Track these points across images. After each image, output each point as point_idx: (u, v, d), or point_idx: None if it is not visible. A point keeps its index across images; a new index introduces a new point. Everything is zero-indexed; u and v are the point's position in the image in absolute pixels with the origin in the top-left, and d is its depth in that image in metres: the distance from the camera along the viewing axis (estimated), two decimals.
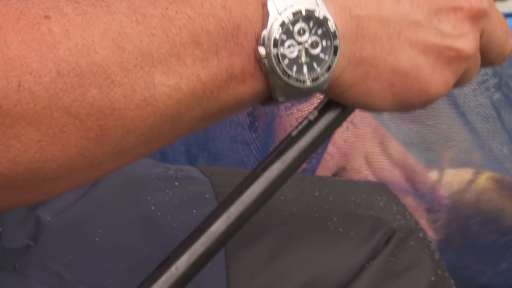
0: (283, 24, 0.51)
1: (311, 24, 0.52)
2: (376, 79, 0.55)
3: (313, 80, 0.53)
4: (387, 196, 0.76)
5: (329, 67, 0.53)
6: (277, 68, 0.52)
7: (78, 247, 0.65)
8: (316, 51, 0.53)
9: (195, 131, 0.54)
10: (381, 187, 0.78)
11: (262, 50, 0.51)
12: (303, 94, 0.54)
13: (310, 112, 0.58)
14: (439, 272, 0.73)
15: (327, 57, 0.53)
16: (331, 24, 0.52)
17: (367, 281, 0.69)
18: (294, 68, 0.53)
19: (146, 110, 0.48)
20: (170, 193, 0.69)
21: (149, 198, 0.68)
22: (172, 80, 0.49)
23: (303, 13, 0.52)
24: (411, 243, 0.72)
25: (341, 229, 0.70)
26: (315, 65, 0.53)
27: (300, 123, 0.58)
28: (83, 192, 0.67)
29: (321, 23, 0.52)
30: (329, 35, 0.52)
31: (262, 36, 0.51)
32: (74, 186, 0.50)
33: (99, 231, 0.65)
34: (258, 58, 0.52)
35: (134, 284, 0.62)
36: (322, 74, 0.53)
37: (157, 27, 0.49)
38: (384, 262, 0.70)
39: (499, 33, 0.59)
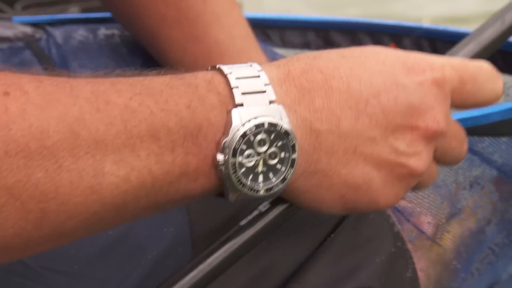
0: (244, 135, 0.52)
1: (272, 136, 0.53)
2: (328, 189, 0.56)
3: (267, 190, 0.54)
4: None
5: (284, 179, 0.54)
6: (233, 177, 0.53)
7: None
8: (273, 161, 0.54)
9: (138, 218, 0.53)
10: None
11: (220, 157, 0.52)
12: (255, 200, 0.55)
13: (262, 204, 0.59)
14: (399, 244, 0.73)
15: (284, 168, 0.54)
16: (291, 138, 0.53)
17: (329, 254, 0.70)
18: (250, 177, 0.53)
19: (91, 198, 0.47)
20: None
21: None
22: (123, 171, 0.48)
23: (266, 126, 0.53)
24: (371, 216, 0.73)
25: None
26: (271, 175, 0.54)
27: (251, 213, 0.58)
28: None
29: (282, 136, 0.53)
30: (288, 148, 0.54)
31: (222, 143, 0.52)
32: (5, 262, 0.49)
33: None
34: (215, 164, 0.52)
35: (101, 269, 0.64)
36: (277, 185, 0.54)
37: (117, 116, 0.48)
38: (345, 235, 0.71)
39: (454, 144, 0.61)
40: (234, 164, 0.52)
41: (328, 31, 1.05)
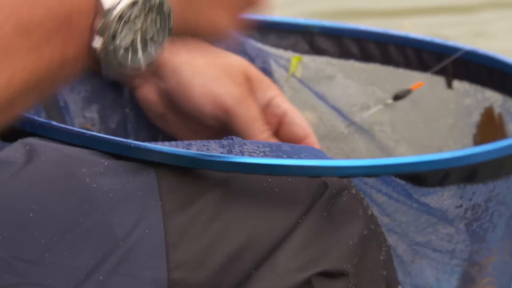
0: (121, 17, 0.52)
1: (146, 9, 0.54)
2: None
3: (149, 64, 0.56)
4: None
5: (161, 48, 0.56)
6: (113, 62, 0.53)
7: (11, 224, 0.64)
8: (150, 35, 0.55)
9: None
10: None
11: (97, 43, 0.53)
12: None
13: None
14: (372, 226, 0.74)
15: (161, 38, 0.55)
16: (166, 8, 0.55)
17: (301, 236, 0.71)
18: (129, 56, 0.54)
19: None
20: (106, 163, 0.69)
21: (84, 170, 0.67)
22: (4, 76, 0.49)
23: (140, 2, 0.54)
24: (344, 199, 0.73)
25: (276, 189, 0.71)
26: (149, 48, 0.55)
27: None
28: (14, 170, 0.67)
29: (157, 7, 0.54)
30: (164, 18, 0.55)
31: (97, 27, 0.52)
32: None
33: (33, 206, 0.65)
34: (93, 50, 0.53)
35: (72, 257, 0.64)
36: (157, 56, 0.56)
37: None
38: (317, 217, 0.72)
39: None
40: (113, 48, 0.52)
41: (313, 35, 1.04)
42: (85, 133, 0.71)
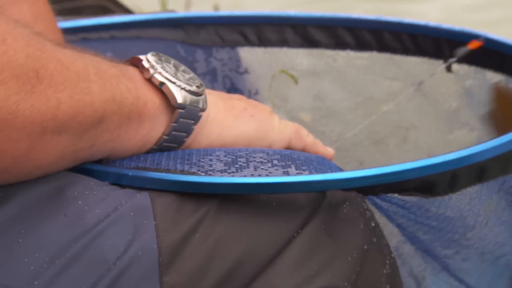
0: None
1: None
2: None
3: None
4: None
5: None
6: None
7: (0, 250, 0.63)
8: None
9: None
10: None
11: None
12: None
13: None
14: (374, 240, 0.73)
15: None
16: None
17: (296, 251, 0.69)
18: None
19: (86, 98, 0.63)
20: (98, 188, 0.67)
21: (76, 193, 0.66)
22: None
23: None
24: (344, 211, 0.72)
25: (274, 203, 0.70)
26: None
27: None
28: (3, 195, 0.65)
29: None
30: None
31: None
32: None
33: (23, 231, 0.63)
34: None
35: (63, 283, 0.62)
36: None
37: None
38: (315, 230, 0.70)
39: None
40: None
41: (306, 27, 1.02)
42: (84, 164, 0.70)
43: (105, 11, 1.54)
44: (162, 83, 0.70)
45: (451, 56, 0.97)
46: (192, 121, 0.72)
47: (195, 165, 0.70)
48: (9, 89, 0.57)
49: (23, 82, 0.58)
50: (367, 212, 0.73)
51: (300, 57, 1.04)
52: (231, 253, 0.67)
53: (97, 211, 0.65)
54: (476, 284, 0.84)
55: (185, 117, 0.71)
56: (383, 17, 1.00)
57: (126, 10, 1.59)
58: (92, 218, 0.65)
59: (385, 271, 0.73)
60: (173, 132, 0.71)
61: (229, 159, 0.71)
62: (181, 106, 0.70)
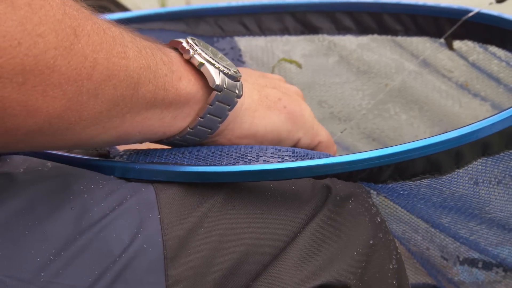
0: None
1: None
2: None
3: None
4: None
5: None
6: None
7: (7, 242, 0.63)
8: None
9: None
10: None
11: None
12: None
13: None
14: (380, 235, 0.73)
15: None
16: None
17: (302, 246, 0.69)
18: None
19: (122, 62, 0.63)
20: (104, 182, 0.68)
21: (82, 187, 0.67)
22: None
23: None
24: (350, 206, 0.72)
25: (279, 198, 0.70)
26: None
27: None
28: (13, 188, 0.66)
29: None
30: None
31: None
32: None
33: (29, 224, 0.64)
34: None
35: (69, 276, 0.63)
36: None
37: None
38: (320, 225, 0.70)
39: None
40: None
41: (305, 13, 1.02)
42: (90, 160, 0.71)
43: (105, 11, 1.54)
44: (201, 64, 0.70)
45: (452, 33, 0.97)
46: (228, 107, 0.72)
47: (204, 159, 0.70)
48: (48, 43, 0.56)
49: (61, 37, 0.57)
50: (372, 208, 0.73)
51: (301, 44, 1.04)
52: (236, 247, 0.67)
53: (102, 204, 0.66)
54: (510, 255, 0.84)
55: (221, 101, 0.71)
56: None
57: (126, 10, 1.60)
58: (97, 211, 0.65)
59: (391, 266, 0.74)
60: (208, 115, 0.71)
61: (239, 155, 0.71)
62: (219, 88, 0.70)
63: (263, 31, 1.03)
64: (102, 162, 0.70)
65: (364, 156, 0.67)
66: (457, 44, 0.99)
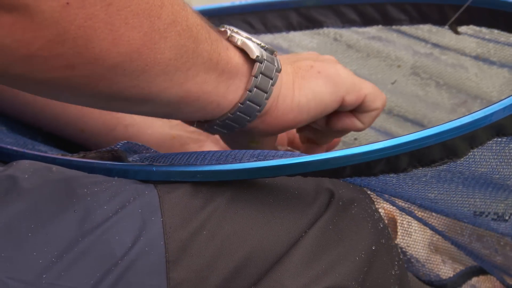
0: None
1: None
2: None
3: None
4: None
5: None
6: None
7: (10, 244, 0.64)
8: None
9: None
10: None
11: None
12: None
13: None
14: (382, 241, 0.73)
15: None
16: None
17: (304, 250, 0.69)
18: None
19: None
20: (108, 184, 0.69)
21: (85, 190, 0.67)
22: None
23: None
24: (353, 211, 0.72)
25: (282, 202, 0.71)
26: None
27: None
28: (17, 189, 0.67)
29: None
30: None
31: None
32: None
33: (32, 226, 0.65)
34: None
35: (71, 278, 0.64)
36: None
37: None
38: (322, 230, 0.71)
39: None
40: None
41: (309, 9, 1.02)
42: (105, 164, 0.71)
43: None
44: (240, 40, 0.74)
45: (456, 19, 0.97)
46: (270, 80, 0.74)
47: (218, 159, 0.71)
48: None
49: None
50: (375, 213, 0.73)
51: (308, 38, 1.05)
52: (238, 251, 0.68)
53: (105, 207, 0.66)
54: None
55: (264, 74, 0.74)
56: None
57: None
58: (100, 214, 0.66)
59: (393, 272, 0.74)
60: (255, 89, 0.73)
61: (254, 153, 0.72)
62: (259, 60, 0.73)
63: (269, 29, 1.03)
64: (118, 165, 0.70)
65: (380, 146, 0.68)
66: (462, 29, 0.99)
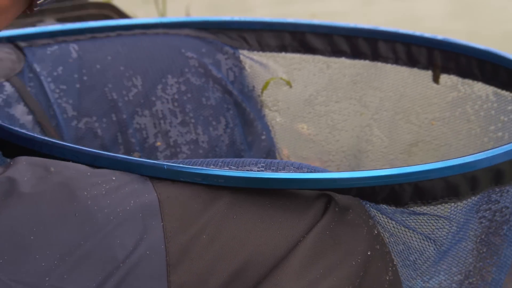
0: None
1: None
2: None
3: None
4: None
5: None
6: None
7: (13, 247, 0.64)
8: None
9: None
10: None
11: None
12: None
13: None
14: (377, 247, 0.74)
15: None
16: None
17: (302, 255, 0.70)
18: None
19: None
20: (107, 187, 0.69)
21: (85, 193, 0.68)
22: None
23: None
24: (349, 217, 0.73)
25: (280, 208, 0.72)
26: None
27: None
28: (18, 193, 0.67)
29: None
30: None
31: None
32: None
33: (34, 229, 0.65)
34: None
35: (73, 281, 0.64)
36: None
37: None
38: (320, 236, 0.72)
39: None
40: None
41: (305, 34, 1.05)
42: (117, 157, 0.72)
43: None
44: None
45: (443, 66, 1.01)
46: None
47: (229, 164, 0.73)
48: None
49: None
50: (369, 220, 0.75)
51: (295, 62, 1.07)
52: (237, 255, 0.69)
53: (106, 210, 0.67)
54: None
55: None
56: (379, 27, 1.04)
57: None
58: (101, 217, 0.67)
59: (387, 278, 0.75)
60: None
61: (264, 164, 0.73)
62: None
63: (262, 47, 1.05)
64: (131, 159, 0.71)
65: (387, 172, 0.71)
66: (443, 78, 1.03)
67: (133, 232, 0.67)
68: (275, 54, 1.06)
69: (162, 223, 0.68)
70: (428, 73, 1.03)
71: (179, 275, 0.67)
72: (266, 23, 1.05)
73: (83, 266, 0.65)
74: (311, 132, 1.08)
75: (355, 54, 1.05)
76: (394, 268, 0.77)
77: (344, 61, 1.06)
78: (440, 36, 1.01)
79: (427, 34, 1.02)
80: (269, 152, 1.08)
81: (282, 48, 1.06)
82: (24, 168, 0.69)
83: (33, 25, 1.28)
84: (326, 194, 0.73)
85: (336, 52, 1.05)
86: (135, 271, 0.66)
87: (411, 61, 1.03)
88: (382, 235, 0.76)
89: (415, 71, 1.03)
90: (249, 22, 1.05)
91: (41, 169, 0.70)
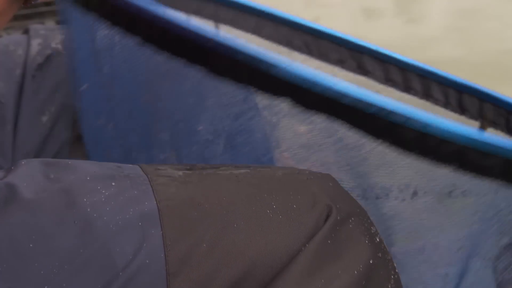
0: None
1: None
2: None
3: None
4: (331, 183, 0.77)
5: None
6: None
7: (11, 255, 0.64)
8: None
9: None
10: (326, 176, 0.78)
11: None
12: None
13: None
14: (379, 254, 0.73)
15: None
16: None
17: (303, 264, 0.69)
18: None
19: None
20: (107, 193, 0.69)
21: (85, 200, 0.67)
22: None
23: None
24: (350, 226, 0.73)
25: (280, 216, 0.71)
26: None
27: None
28: (17, 200, 0.67)
29: None
30: None
31: None
32: None
33: (33, 236, 0.64)
34: None
35: None
36: None
37: None
38: (321, 244, 0.71)
39: None
40: None
41: (362, 55, 1.06)
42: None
43: None
44: None
45: (492, 121, 1.02)
46: None
47: None
48: None
49: None
50: (371, 227, 0.75)
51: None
52: (238, 263, 0.68)
53: (105, 218, 0.67)
54: None
55: None
56: (436, 69, 1.05)
57: None
58: (101, 225, 0.66)
59: (390, 286, 0.75)
60: None
61: None
62: None
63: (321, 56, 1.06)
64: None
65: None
66: (490, 131, 1.03)
67: (132, 241, 0.66)
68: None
69: (161, 232, 0.67)
70: (476, 123, 1.03)
71: (179, 283, 0.66)
72: (330, 35, 1.06)
73: (83, 274, 0.64)
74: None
75: (407, 87, 1.05)
76: (396, 276, 0.76)
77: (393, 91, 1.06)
78: (494, 92, 1.02)
79: (481, 87, 1.03)
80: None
81: (338, 62, 1.06)
82: (24, 174, 0.69)
83: None
84: (327, 203, 0.73)
85: (388, 81, 1.05)
86: (135, 280, 0.65)
87: (461, 108, 1.04)
88: (384, 242, 0.75)
89: (463, 118, 1.04)
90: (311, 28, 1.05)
91: (40, 175, 0.69)
